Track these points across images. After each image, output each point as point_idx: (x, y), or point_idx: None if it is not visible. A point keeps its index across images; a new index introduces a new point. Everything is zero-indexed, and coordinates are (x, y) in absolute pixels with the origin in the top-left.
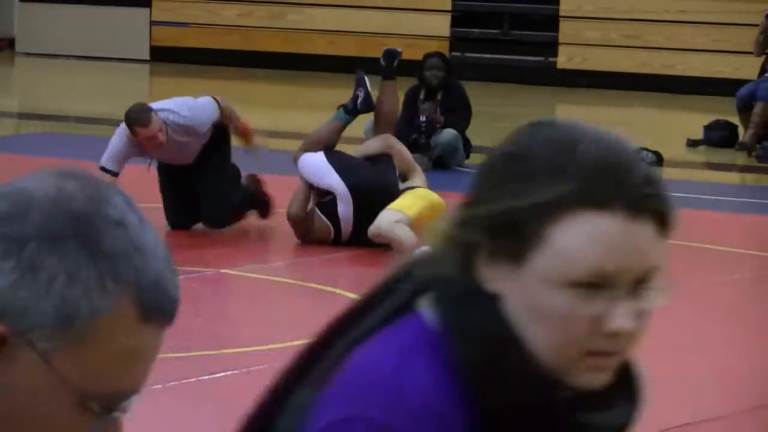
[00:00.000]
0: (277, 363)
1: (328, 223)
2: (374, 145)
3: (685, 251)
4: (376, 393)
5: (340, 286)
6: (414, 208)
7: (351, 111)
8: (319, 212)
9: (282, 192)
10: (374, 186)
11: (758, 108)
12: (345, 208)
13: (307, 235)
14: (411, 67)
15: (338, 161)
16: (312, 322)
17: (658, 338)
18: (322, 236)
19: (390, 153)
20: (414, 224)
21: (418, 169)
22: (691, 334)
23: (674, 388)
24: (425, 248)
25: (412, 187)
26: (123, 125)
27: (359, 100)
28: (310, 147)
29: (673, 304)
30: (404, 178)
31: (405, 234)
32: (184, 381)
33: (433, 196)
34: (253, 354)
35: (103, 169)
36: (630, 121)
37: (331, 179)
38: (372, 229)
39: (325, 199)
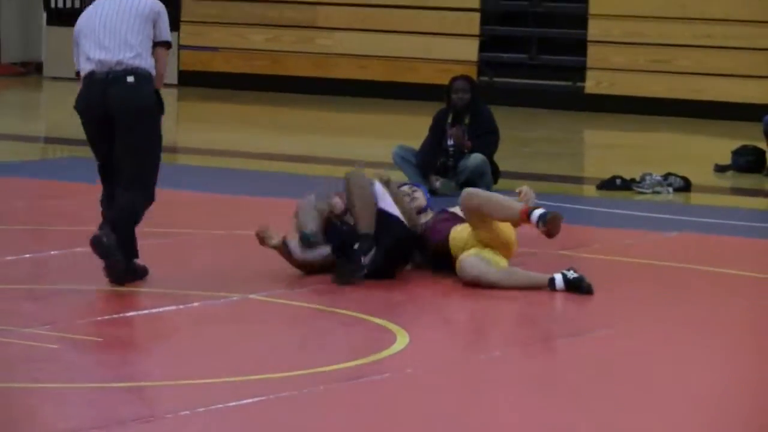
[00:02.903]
0: (306, 389)
1: None
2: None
3: (713, 277)
4: None
5: (369, 311)
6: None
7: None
8: None
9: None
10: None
11: None
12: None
13: None
14: (439, 92)
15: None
16: (340, 348)
17: (690, 365)
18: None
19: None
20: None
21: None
22: (721, 363)
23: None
24: None
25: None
26: None
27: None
28: None
29: (703, 331)
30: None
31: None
32: (212, 407)
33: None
34: (279, 380)
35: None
36: (658, 146)
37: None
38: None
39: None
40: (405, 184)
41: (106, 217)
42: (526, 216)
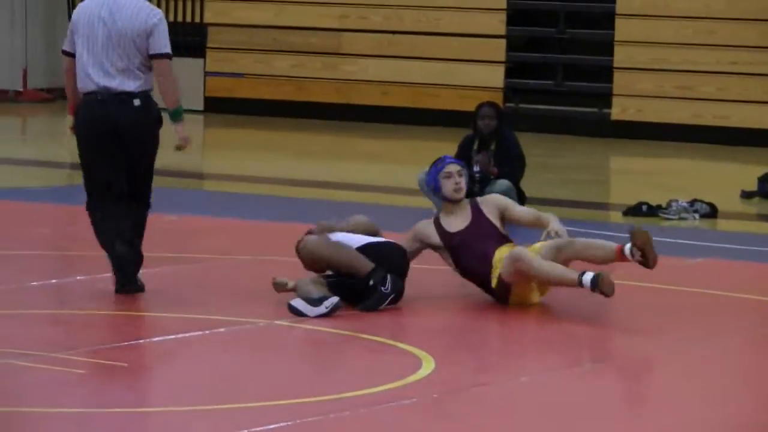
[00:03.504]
0: (332, 414)
1: None
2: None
3: (737, 303)
4: None
5: (394, 337)
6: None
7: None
8: None
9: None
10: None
11: None
12: None
13: None
14: (465, 119)
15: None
16: (365, 373)
17: (704, 391)
18: None
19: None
20: None
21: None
22: (745, 387)
23: None
24: None
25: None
26: None
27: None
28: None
29: (722, 357)
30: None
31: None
32: None
33: None
34: (305, 405)
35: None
36: (684, 173)
37: None
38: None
39: None
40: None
41: (122, 235)
42: (579, 284)
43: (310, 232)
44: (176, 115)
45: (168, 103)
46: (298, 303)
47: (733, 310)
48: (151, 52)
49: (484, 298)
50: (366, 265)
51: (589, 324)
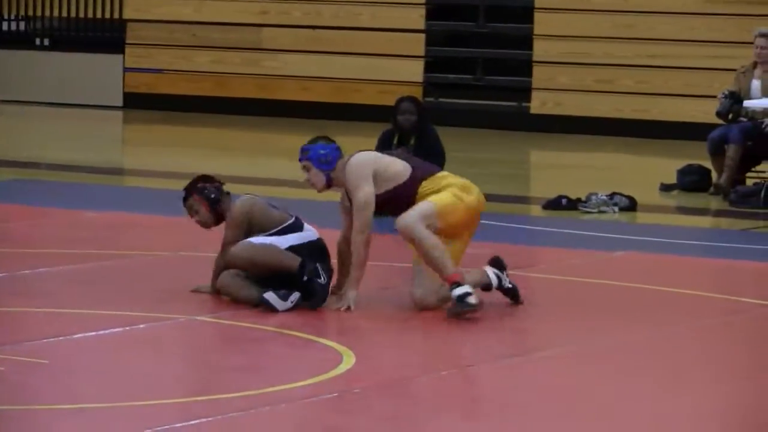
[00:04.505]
0: (254, 409)
1: None
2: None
3: (657, 296)
4: None
5: (317, 333)
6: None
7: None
8: None
9: None
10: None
11: (731, 151)
12: None
13: None
14: (385, 113)
15: None
16: (287, 369)
17: (630, 385)
18: None
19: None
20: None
21: None
22: (661, 380)
23: None
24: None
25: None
26: None
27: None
28: None
29: (644, 349)
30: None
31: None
32: (160, 428)
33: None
34: (227, 401)
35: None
36: (604, 166)
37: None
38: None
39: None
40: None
41: None
42: (450, 284)
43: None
44: None
45: None
46: (270, 296)
47: (654, 302)
48: None
49: (410, 298)
50: (293, 259)
51: (511, 318)
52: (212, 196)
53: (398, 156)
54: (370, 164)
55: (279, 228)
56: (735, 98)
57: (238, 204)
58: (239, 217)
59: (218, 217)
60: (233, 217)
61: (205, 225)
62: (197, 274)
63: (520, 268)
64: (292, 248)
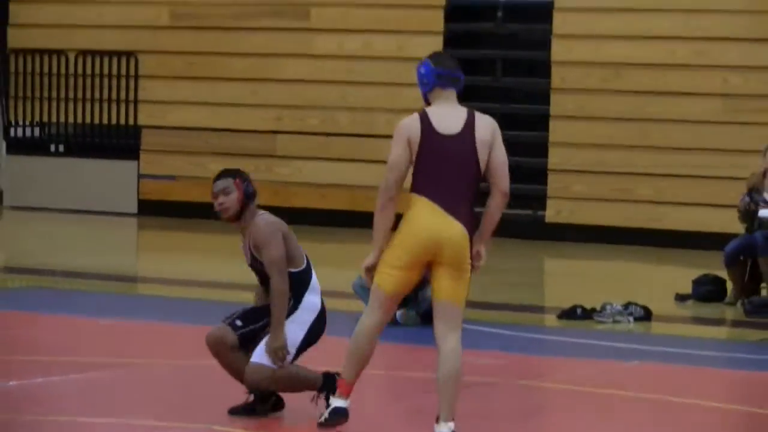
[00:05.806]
0: None
1: None
2: None
3: (672, 407)
4: None
5: None
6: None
7: None
8: None
9: None
10: None
11: (764, 265)
12: None
13: None
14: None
15: None
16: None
17: None
18: None
19: None
20: None
21: None
22: None
23: None
24: None
25: None
26: None
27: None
28: None
29: None
30: None
31: None
32: None
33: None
34: None
35: None
36: (619, 276)
37: None
38: None
39: None
40: None
41: None
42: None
43: None
44: None
45: None
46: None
47: (668, 414)
48: None
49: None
50: (315, 378)
51: (526, 426)
52: (251, 190)
53: None
54: None
55: (304, 268)
56: (753, 198)
57: (266, 219)
58: (275, 224)
59: (239, 214)
60: (271, 230)
61: (226, 211)
62: (214, 383)
63: (532, 379)
64: (311, 330)
